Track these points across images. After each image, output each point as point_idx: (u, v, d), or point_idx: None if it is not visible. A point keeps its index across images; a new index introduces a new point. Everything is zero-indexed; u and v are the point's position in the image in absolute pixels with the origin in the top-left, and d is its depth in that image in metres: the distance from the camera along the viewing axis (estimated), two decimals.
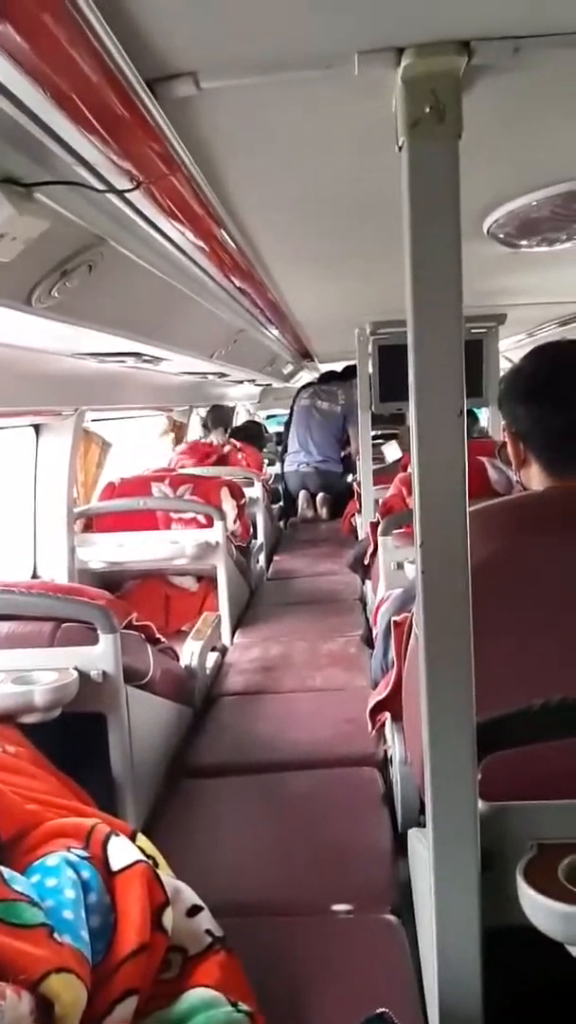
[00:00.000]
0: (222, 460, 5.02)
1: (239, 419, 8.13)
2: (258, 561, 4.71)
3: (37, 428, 3.16)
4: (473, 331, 3.49)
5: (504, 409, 1.35)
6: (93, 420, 3.62)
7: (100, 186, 1.02)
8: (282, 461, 6.78)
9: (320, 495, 6.45)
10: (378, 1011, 0.90)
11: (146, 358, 2.51)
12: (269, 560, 5.12)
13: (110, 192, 1.04)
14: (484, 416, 5.42)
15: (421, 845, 1.18)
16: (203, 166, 1.11)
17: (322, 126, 1.03)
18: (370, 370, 3.60)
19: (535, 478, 1.31)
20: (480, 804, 0.95)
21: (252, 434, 6.14)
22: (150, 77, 0.83)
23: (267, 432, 8.28)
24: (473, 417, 5.41)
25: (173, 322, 2.19)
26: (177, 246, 1.45)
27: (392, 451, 5.21)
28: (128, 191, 1.04)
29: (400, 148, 0.86)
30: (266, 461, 6.99)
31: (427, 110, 0.83)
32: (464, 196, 0.85)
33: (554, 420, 1.27)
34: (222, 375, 4.09)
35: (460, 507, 0.88)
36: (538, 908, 0.91)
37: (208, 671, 2.88)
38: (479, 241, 1.77)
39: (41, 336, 1.88)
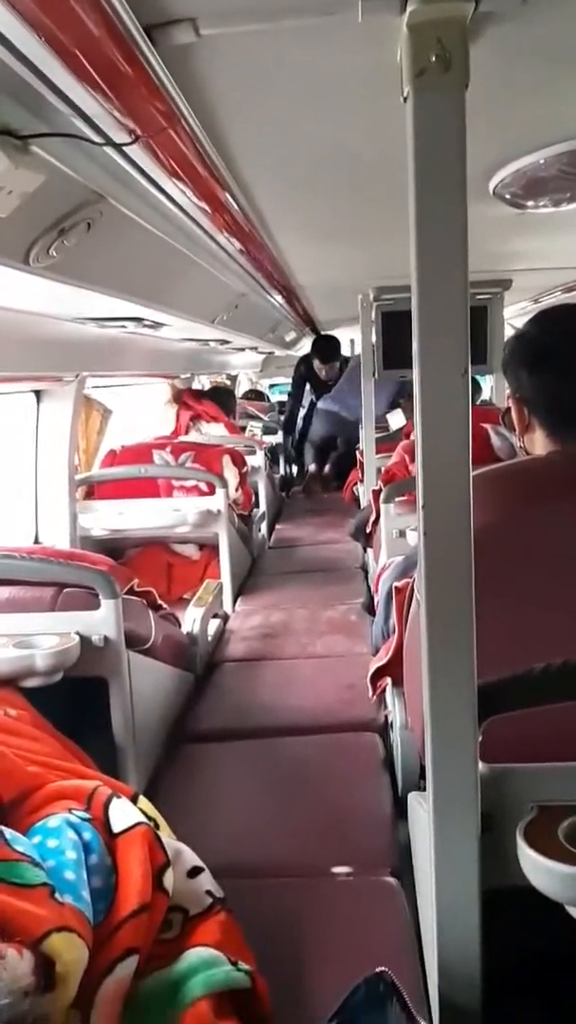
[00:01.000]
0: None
1: (242, 389, 8.09)
2: (260, 529, 4.71)
3: (38, 394, 3.13)
4: (478, 297, 3.45)
5: (508, 374, 1.34)
6: (95, 387, 3.59)
7: (97, 139, 1.00)
8: (286, 431, 6.76)
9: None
10: (377, 970, 0.90)
11: (147, 323, 2.48)
12: (271, 528, 5.12)
13: (108, 145, 1.02)
14: (487, 385, 5.39)
15: (421, 808, 1.19)
16: (203, 119, 1.08)
17: (325, 77, 1.01)
18: (373, 337, 3.57)
19: (538, 443, 1.29)
20: (481, 766, 0.95)
21: (219, 396, 6.00)
22: (148, 23, 0.80)
23: (268, 400, 8.24)
24: (476, 386, 5.38)
25: (174, 285, 2.16)
26: (177, 204, 1.42)
27: (396, 419, 5.18)
28: (126, 144, 1.02)
29: (405, 99, 0.83)
30: (261, 430, 6.98)
31: (432, 59, 0.81)
32: (470, 154, 0.83)
33: (558, 386, 1.25)
34: (224, 342, 4.05)
35: (463, 469, 0.87)
36: (538, 869, 0.91)
37: (210, 638, 2.89)
38: (485, 202, 1.74)
39: (41, 299, 1.85)
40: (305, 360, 6.74)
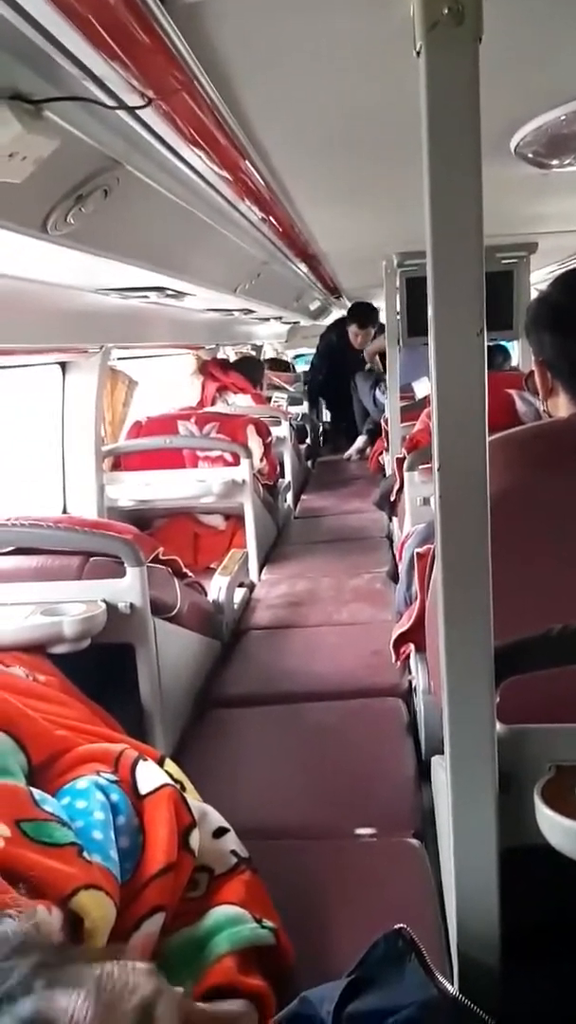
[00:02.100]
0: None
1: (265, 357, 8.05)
2: (285, 500, 4.72)
3: (63, 366, 3.15)
4: (504, 261, 3.39)
5: (531, 337, 1.33)
6: (120, 359, 3.60)
7: (110, 102, 0.99)
8: (312, 400, 6.74)
9: None
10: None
11: (169, 293, 2.47)
12: (296, 499, 5.12)
13: (121, 109, 1.01)
14: (516, 352, 5.31)
15: (443, 772, 1.20)
16: (216, 81, 1.07)
17: (339, 34, 0.99)
18: (397, 305, 3.53)
19: (562, 407, 1.28)
20: (498, 727, 0.95)
21: (247, 366, 5.86)
22: None
23: (294, 370, 8.19)
24: (505, 353, 5.31)
25: (194, 253, 2.15)
26: (194, 169, 1.41)
27: (422, 387, 5.14)
28: (139, 108, 1.01)
29: (418, 53, 0.82)
30: (286, 401, 6.95)
31: (445, 11, 0.79)
32: (488, 112, 0.81)
33: None
34: (248, 311, 4.03)
35: (479, 430, 0.86)
36: (555, 827, 0.92)
37: (236, 606, 2.91)
38: (507, 162, 1.71)
39: (63, 270, 1.86)
40: (337, 327, 6.58)
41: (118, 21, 0.84)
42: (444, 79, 0.81)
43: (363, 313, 6.20)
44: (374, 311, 6.16)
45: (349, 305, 6.45)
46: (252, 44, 0.99)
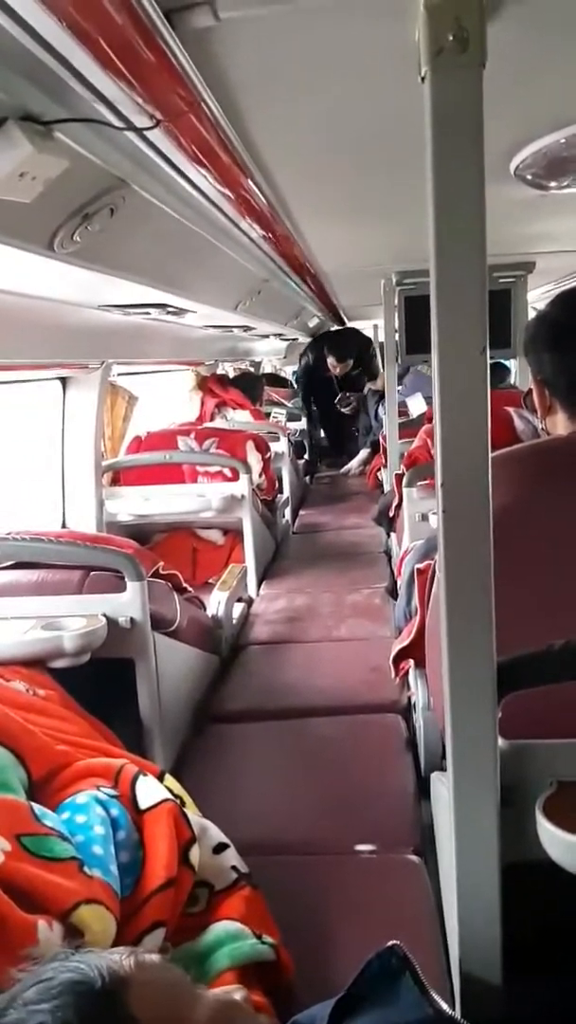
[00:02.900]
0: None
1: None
2: (284, 515, 4.73)
3: (64, 381, 3.17)
4: (501, 280, 3.42)
5: (529, 356, 1.34)
6: (120, 375, 3.62)
7: (119, 124, 1.01)
8: (308, 416, 6.73)
9: None
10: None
11: (170, 309, 2.49)
12: (295, 514, 5.13)
13: (129, 130, 1.03)
14: (515, 370, 5.34)
15: (443, 787, 1.20)
16: (223, 103, 1.09)
17: (344, 58, 1.01)
18: (395, 324, 3.56)
19: (560, 424, 1.29)
20: (500, 741, 0.96)
21: (245, 382, 5.81)
22: (167, 7, 0.81)
23: (293, 386, 8.21)
24: (505, 370, 5.33)
25: (196, 271, 2.17)
26: (198, 188, 1.43)
27: (416, 405, 5.16)
28: (147, 129, 1.03)
29: (423, 79, 0.83)
30: (285, 416, 6.93)
31: (450, 38, 0.81)
32: (489, 135, 0.83)
33: None
34: (247, 328, 4.06)
35: (482, 446, 0.87)
36: (557, 842, 0.92)
37: (234, 621, 2.92)
38: (506, 183, 1.73)
39: (66, 287, 1.87)
40: (313, 350, 6.21)
41: (128, 43, 0.85)
42: (448, 104, 0.83)
43: (342, 345, 5.88)
44: (352, 342, 5.92)
45: (345, 322, 6.31)
46: (259, 68, 1.01)
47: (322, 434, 7.29)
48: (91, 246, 1.35)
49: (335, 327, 6.37)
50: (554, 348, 1.28)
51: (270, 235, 2.13)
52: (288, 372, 8.97)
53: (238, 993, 0.83)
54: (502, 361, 5.32)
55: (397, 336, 3.59)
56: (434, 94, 0.83)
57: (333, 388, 6.25)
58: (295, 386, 8.10)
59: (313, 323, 5.96)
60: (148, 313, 2.52)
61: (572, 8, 0.93)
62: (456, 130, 0.83)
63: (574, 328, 1.29)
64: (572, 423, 1.27)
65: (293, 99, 1.16)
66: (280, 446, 4.82)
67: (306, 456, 6.32)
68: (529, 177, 1.68)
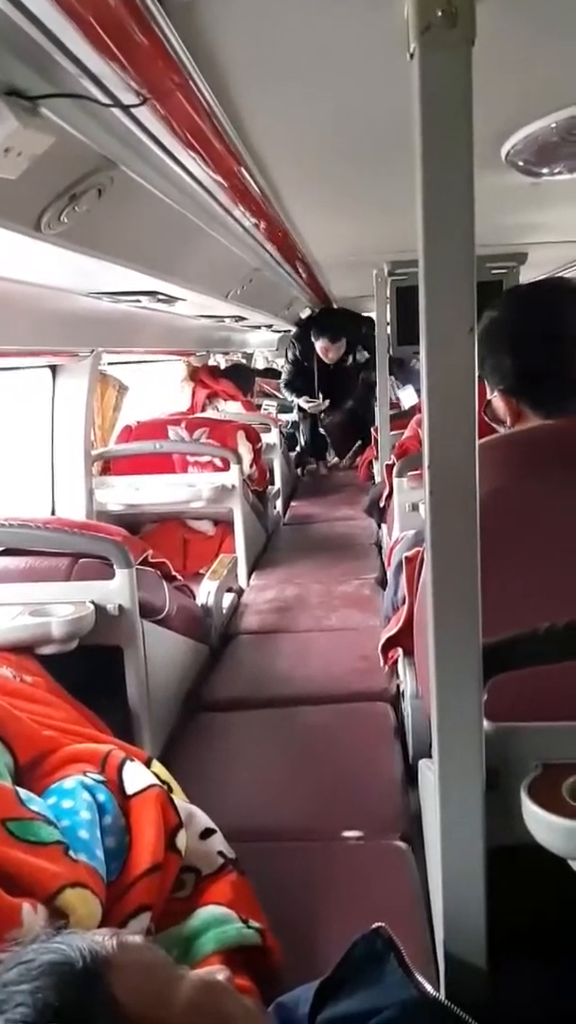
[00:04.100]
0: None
1: (257, 366, 8.06)
2: (275, 506, 4.72)
3: (54, 370, 3.15)
4: (494, 271, 3.41)
5: (487, 366, 1.31)
6: (111, 364, 3.61)
7: (105, 100, 1.00)
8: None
9: None
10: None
11: (161, 297, 2.48)
12: (286, 505, 5.13)
13: (115, 106, 1.02)
14: None
15: (430, 773, 1.20)
16: (211, 82, 1.08)
17: (332, 36, 1.00)
18: (387, 314, 3.56)
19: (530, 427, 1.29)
20: (486, 724, 0.95)
21: (237, 374, 5.71)
22: None
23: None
24: None
25: (186, 256, 2.16)
26: (188, 172, 1.42)
27: (408, 396, 5.16)
28: (134, 106, 1.02)
29: (411, 56, 0.83)
30: (276, 408, 6.88)
31: (439, 14, 0.80)
32: (480, 119, 0.82)
33: (547, 363, 1.24)
34: (239, 319, 4.05)
35: (470, 428, 0.87)
36: (542, 824, 0.92)
37: (224, 611, 2.91)
38: (498, 170, 1.72)
39: (56, 272, 1.86)
40: (301, 338, 5.57)
41: (115, 19, 0.85)
42: (437, 81, 0.82)
43: (333, 324, 5.30)
44: (343, 319, 5.42)
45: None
46: (247, 45, 1.00)
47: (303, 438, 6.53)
48: (79, 228, 1.33)
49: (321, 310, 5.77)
50: (514, 352, 1.27)
51: (262, 222, 2.12)
52: (280, 364, 8.95)
53: (221, 974, 0.83)
54: None
55: (389, 328, 3.58)
56: (423, 71, 0.82)
57: (319, 384, 5.72)
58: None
59: (305, 314, 5.95)
60: (139, 301, 2.51)
61: None
62: (445, 109, 0.82)
63: (529, 327, 1.27)
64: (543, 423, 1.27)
65: (283, 81, 1.15)
66: (271, 437, 4.81)
67: (298, 448, 6.30)
68: (521, 163, 1.67)
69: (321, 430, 6.30)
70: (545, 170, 1.75)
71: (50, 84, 0.96)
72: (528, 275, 3.80)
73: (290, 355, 5.79)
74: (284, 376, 6.00)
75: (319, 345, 5.35)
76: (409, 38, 0.82)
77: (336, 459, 6.45)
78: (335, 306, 5.81)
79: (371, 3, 0.90)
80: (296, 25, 0.96)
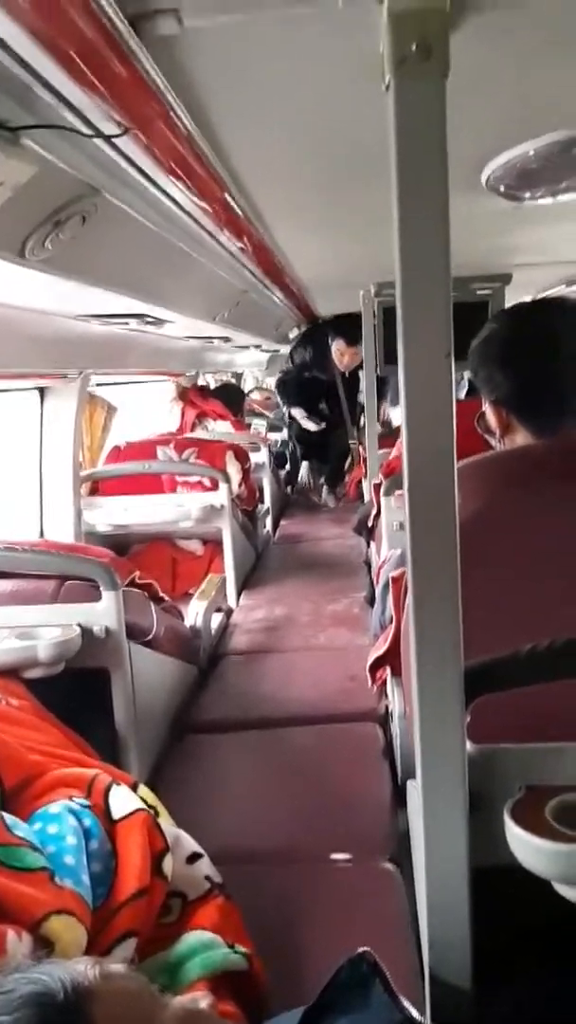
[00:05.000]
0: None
1: (247, 386, 8.08)
2: (264, 525, 4.73)
3: (42, 392, 3.16)
4: (479, 292, 3.44)
5: (480, 376, 1.34)
6: (99, 385, 3.62)
7: (87, 131, 1.01)
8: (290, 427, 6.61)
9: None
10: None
11: (149, 320, 2.49)
12: (276, 525, 5.13)
13: (97, 137, 1.03)
14: None
15: (417, 793, 1.20)
16: (192, 112, 1.09)
17: (310, 67, 1.02)
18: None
19: (520, 442, 1.30)
20: (469, 746, 0.96)
21: (227, 394, 5.66)
22: (132, 14, 0.81)
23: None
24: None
25: (172, 281, 2.18)
26: (171, 198, 1.44)
27: (398, 415, 5.17)
28: (115, 136, 1.03)
29: (387, 87, 0.84)
30: (266, 427, 6.86)
31: (413, 48, 0.82)
32: (459, 145, 0.84)
33: (536, 379, 1.26)
34: (227, 339, 4.06)
35: (448, 450, 0.88)
36: (525, 847, 0.92)
37: (213, 631, 2.91)
38: (480, 194, 1.74)
39: (44, 296, 1.87)
40: (312, 341, 5.21)
41: (95, 51, 0.86)
42: (412, 114, 0.83)
43: (353, 326, 4.36)
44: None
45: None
46: (225, 76, 1.02)
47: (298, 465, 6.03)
48: (63, 254, 1.35)
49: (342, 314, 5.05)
50: (506, 365, 1.29)
51: (247, 246, 2.14)
52: (270, 384, 8.98)
53: (204, 1001, 0.82)
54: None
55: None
56: (398, 103, 0.83)
57: (326, 392, 5.34)
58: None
59: (294, 334, 5.97)
60: (126, 323, 2.52)
61: (534, 20, 0.94)
62: (421, 138, 0.84)
63: (524, 342, 1.30)
64: (533, 438, 1.28)
65: (262, 110, 1.17)
66: (261, 456, 4.82)
67: (287, 467, 6.30)
68: (501, 189, 1.69)
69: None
70: (527, 194, 1.77)
71: (31, 115, 0.97)
72: (513, 295, 3.84)
73: (296, 357, 5.36)
74: (281, 376, 5.68)
75: (335, 347, 4.94)
76: (384, 70, 0.84)
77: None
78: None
79: (347, 36, 0.92)
80: (274, 57, 0.98)
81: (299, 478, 6.05)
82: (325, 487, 5.78)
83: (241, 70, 1.00)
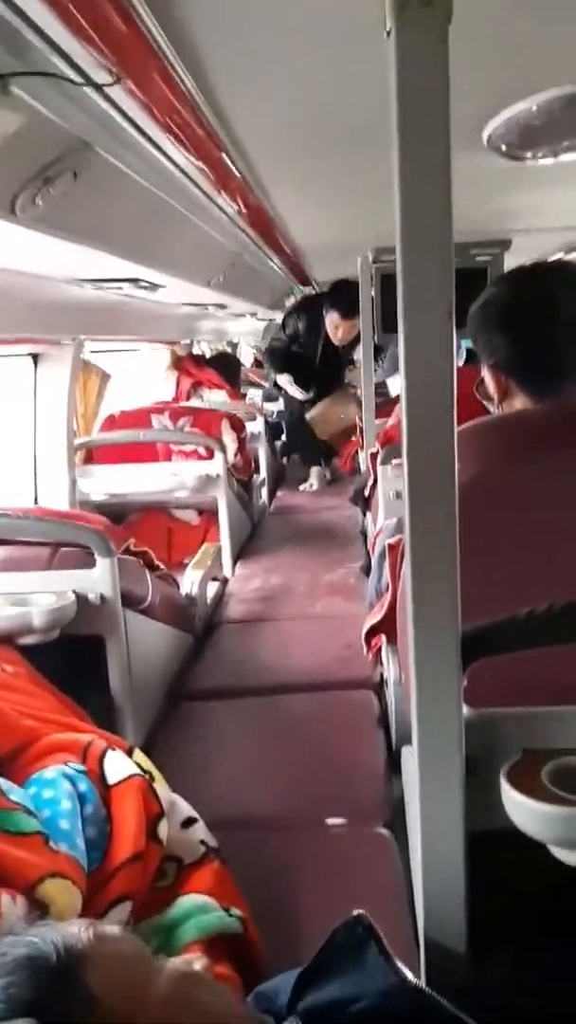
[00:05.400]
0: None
1: (245, 357, 8.02)
2: (260, 495, 4.71)
3: (35, 358, 3.12)
4: (478, 259, 3.39)
5: (479, 342, 1.32)
6: (93, 352, 3.58)
7: (77, 79, 0.98)
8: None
9: None
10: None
11: (142, 284, 2.45)
12: (272, 495, 5.11)
13: (88, 86, 1.00)
14: None
15: (412, 758, 1.20)
16: (186, 61, 1.06)
17: (309, 15, 0.98)
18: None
19: (518, 406, 1.29)
20: (466, 710, 0.95)
21: (223, 363, 5.57)
22: None
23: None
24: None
25: (165, 241, 2.14)
26: (165, 155, 1.40)
27: (396, 384, 5.13)
28: (107, 86, 1.00)
29: (388, 34, 0.81)
30: (262, 397, 6.81)
31: None
32: (459, 101, 0.81)
33: (536, 343, 1.25)
34: (222, 306, 4.02)
35: (448, 413, 0.86)
36: (521, 810, 0.92)
37: (209, 600, 2.90)
38: (479, 154, 1.71)
39: (35, 258, 1.83)
40: (306, 311, 4.94)
41: None
42: (414, 60, 0.81)
43: (350, 298, 4.12)
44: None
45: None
46: (222, 24, 0.98)
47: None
48: (55, 211, 1.31)
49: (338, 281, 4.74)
50: (505, 329, 1.27)
51: (242, 207, 2.10)
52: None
53: (198, 963, 0.82)
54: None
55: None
56: (400, 50, 0.80)
57: (316, 372, 5.08)
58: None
59: (289, 302, 5.91)
60: (120, 288, 2.49)
61: None
62: (422, 87, 0.81)
63: (523, 306, 1.28)
64: (532, 403, 1.27)
65: (260, 63, 1.14)
66: (256, 426, 4.79)
67: (283, 437, 6.27)
68: (503, 147, 1.66)
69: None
70: (528, 154, 1.73)
71: (19, 62, 0.94)
72: (512, 262, 3.79)
73: (289, 326, 5.08)
74: (271, 345, 5.40)
75: (329, 320, 4.68)
76: (386, 16, 0.81)
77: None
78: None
79: None
80: (271, 6, 0.95)
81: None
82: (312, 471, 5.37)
83: (239, 20, 0.97)
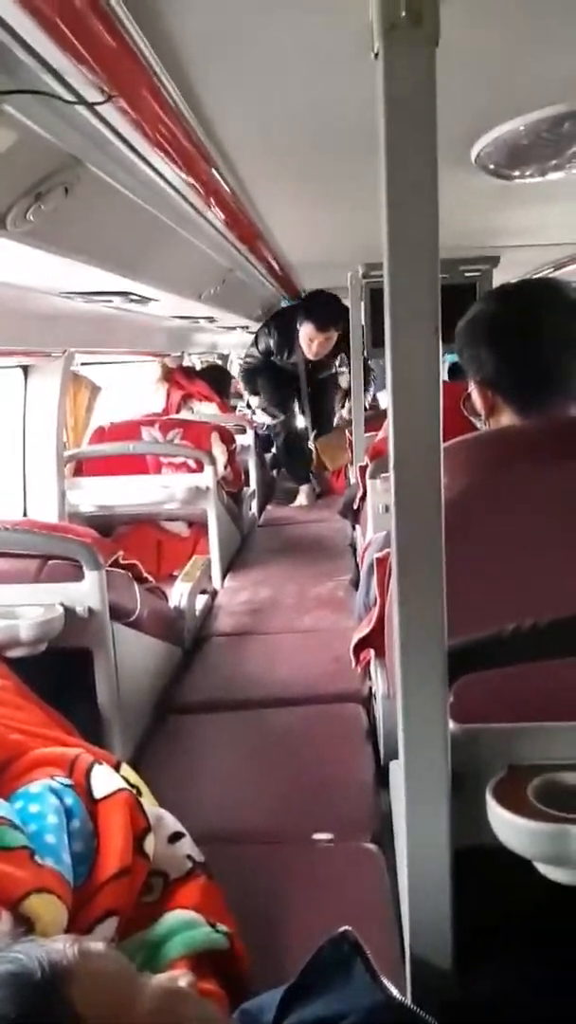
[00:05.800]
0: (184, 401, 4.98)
1: (233, 369, 8.02)
2: (250, 508, 4.71)
3: (25, 370, 3.12)
4: (467, 274, 3.42)
5: (465, 357, 1.33)
6: (83, 364, 3.58)
7: (69, 97, 0.99)
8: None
9: None
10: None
11: (133, 298, 2.46)
12: (261, 508, 5.11)
13: (80, 104, 1.01)
14: None
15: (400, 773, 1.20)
16: (177, 80, 1.07)
17: (297, 35, 0.99)
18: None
19: (505, 422, 1.30)
20: (452, 726, 0.95)
21: (213, 375, 5.56)
22: None
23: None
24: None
25: (157, 256, 2.15)
26: (156, 171, 1.41)
27: (385, 398, 5.13)
28: (98, 104, 1.01)
29: (376, 55, 0.82)
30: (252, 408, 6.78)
31: (403, 14, 0.80)
32: (448, 121, 0.82)
33: (523, 359, 1.26)
34: (212, 319, 4.03)
35: (434, 428, 0.87)
36: (507, 826, 0.92)
37: (197, 613, 2.90)
38: (468, 172, 1.73)
39: (27, 272, 1.84)
40: (279, 325, 4.62)
41: (77, 14, 0.84)
42: (402, 82, 0.82)
43: (324, 308, 4.21)
44: (337, 306, 4.22)
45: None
46: (212, 44, 1.00)
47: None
48: (46, 226, 1.32)
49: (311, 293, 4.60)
50: (493, 344, 1.28)
51: (233, 223, 2.12)
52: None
53: (183, 979, 0.82)
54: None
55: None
56: (387, 71, 0.81)
57: (294, 386, 4.90)
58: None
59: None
60: (111, 301, 2.49)
61: None
62: (410, 108, 0.82)
63: (510, 322, 1.29)
64: (519, 419, 1.28)
65: (249, 80, 1.15)
66: (246, 439, 4.79)
67: (273, 450, 6.27)
68: (491, 166, 1.68)
69: (311, 445, 5.21)
70: (516, 172, 1.75)
71: (12, 80, 0.94)
72: (501, 278, 3.82)
73: (261, 344, 4.76)
74: (244, 363, 5.14)
75: (303, 332, 4.36)
76: (374, 37, 0.82)
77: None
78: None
79: (336, 3, 0.90)
80: (261, 25, 0.96)
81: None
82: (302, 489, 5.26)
83: (227, 37, 0.98)
